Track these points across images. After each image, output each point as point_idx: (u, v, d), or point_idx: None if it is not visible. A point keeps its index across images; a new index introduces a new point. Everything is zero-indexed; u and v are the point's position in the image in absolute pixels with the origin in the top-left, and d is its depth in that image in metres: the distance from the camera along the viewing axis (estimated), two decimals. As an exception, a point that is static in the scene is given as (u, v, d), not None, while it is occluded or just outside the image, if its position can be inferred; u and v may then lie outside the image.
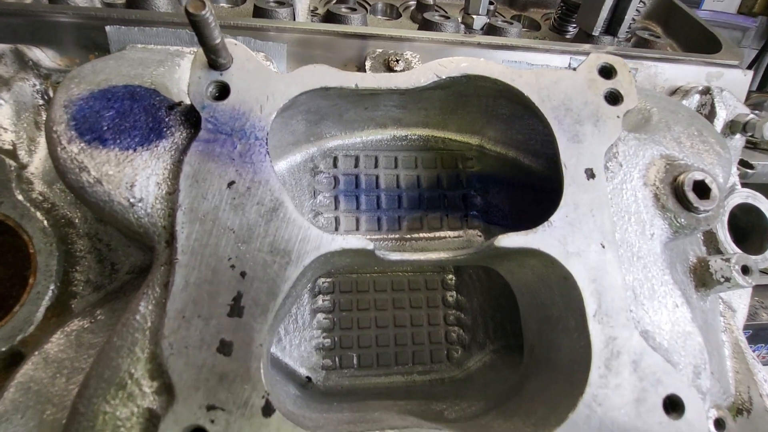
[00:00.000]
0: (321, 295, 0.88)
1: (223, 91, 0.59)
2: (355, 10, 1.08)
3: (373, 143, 0.80)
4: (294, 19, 1.04)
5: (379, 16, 1.29)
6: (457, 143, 0.82)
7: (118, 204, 0.55)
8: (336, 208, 0.78)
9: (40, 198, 0.74)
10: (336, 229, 0.78)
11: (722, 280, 0.92)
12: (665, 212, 0.63)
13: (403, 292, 0.91)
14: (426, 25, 1.10)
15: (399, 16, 1.29)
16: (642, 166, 0.66)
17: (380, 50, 0.93)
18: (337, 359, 0.87)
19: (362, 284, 0.89)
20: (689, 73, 1.14)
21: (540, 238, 0.57)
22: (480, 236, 0.81)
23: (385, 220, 0.78)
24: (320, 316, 0.87)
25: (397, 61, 0.92)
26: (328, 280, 0.87)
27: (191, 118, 0.60)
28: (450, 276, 0.91)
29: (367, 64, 0.92)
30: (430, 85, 0.62)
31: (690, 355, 0.59)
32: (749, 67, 3.33)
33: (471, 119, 0.79)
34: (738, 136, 1.16)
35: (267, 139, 0.57)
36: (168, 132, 0.58)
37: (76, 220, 0.73)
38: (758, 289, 1.79)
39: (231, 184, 0.55)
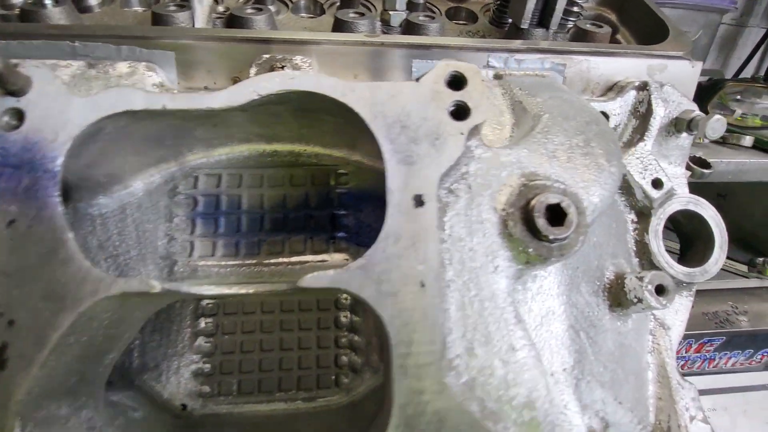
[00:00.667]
0: (203, 318, 0.84)
1: (19, 120, 0.55)
2: (261, 10, 1.02)
3: (239, 160, 0.75)
4: (193, 24, 0.99)
5: (302, 14, 1.22)
6: (330, 158, 0.76)
7: None
8: (192, 232, 0.74)
9: None
10: (190, 255, 0.74)
11: (635, 300, 0.84)
12: (512, 242, 0.56)
13: (292, 313, 0.86)
14: (338, 25, 1.03)
15: (323, 12, 1.21)
16: (495, 188, 0.59)
17: (267, 56, 0.87)
18: (215, 385, 0.83)
19: (249, 305, 0.85)
20: (627, 66, 1.03)
21: (350, 277, 0.51)
22: (347, 260, 0.76)
23: (243, 245, 0.73)
24: (201, 339, 0.84)
25: (283, 67, 0.86)
26: (212, 301, 0.84)
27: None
28: (345, 295, 0.86)
29: (252, 71, 0.86)
30: (253, 102, 0.57)
31: (523, 405, 0.52)
32: (756, 48, 3.10)
33: (339, 132, 0.73)
34: (684, 134, 1.06)
35: (58, 171, 0.53)
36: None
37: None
38: (734, 294, 1.67)
39: (11, 223, 0.51)
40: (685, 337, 1.65)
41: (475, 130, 0.57)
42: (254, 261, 0.73)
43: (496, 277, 0.56)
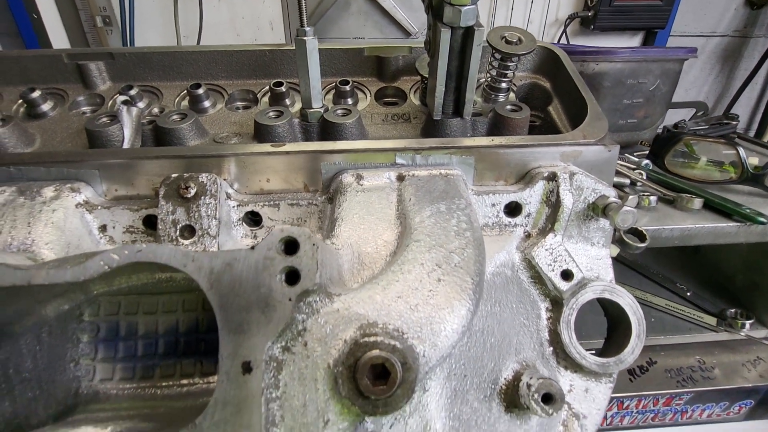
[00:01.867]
0: None
1: None
2: (185, 116, 1.10)
3: (137, 287, 0.82)
4: (123, 137, 1.08)
5: (237, 104, 1.29)
6: (220, 282, 0.82)
7: None
8: (95, 356, 0.82)
9: None
10: (92, 378, 0.82)
11: (525, 407, 0.86)
12: (341, 399, 0.61)
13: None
14: (257, 128, 1.10)
15: (257, 102, 1.28)
16: (331, 344, 0.63)
17: (174, 176, 0.95)
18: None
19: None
20: (540, 155, 1.05)
21: (181, 442, 0.57)
22: (233, 381, 0.82)
23: (139, 368, 0.81)
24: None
25: (187, 187, 0.93)
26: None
27: None
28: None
29: (161, 192, 0.94)
30: (106, 272, 0.64)
31: None
32: (762, 60, 2.96)
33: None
34: (603, 219, 1.06)
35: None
36: None
37: None
38: (702, 347, 1.63)
39: None
40: (649, 395, 1.62)
41: (305, 293, 0.62)
42: (148, 384, 0.80)
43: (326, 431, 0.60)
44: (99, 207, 0.97)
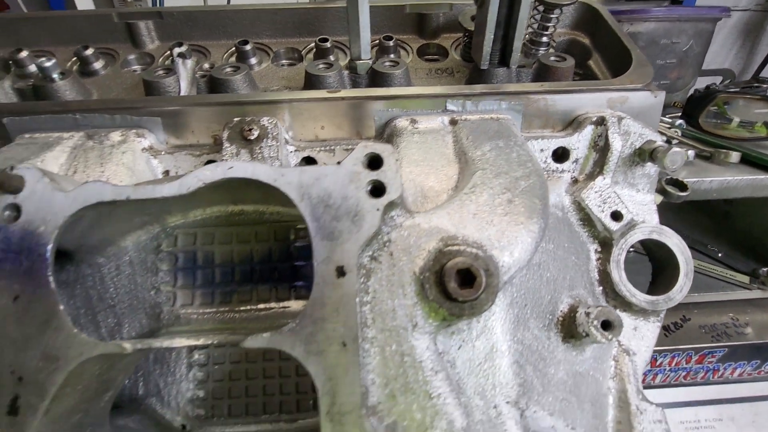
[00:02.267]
0: (196, 350, 0.96)
1: (18, 213, 0.67)
2: (238, 69, 1.13)
3: (211, 220, 0.86)
4: (179, 88, 1.11)
5: (282, 61, 1.32)
6: (290, 215, 0.86)
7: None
8: (174, 284, 0.85)
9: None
10: (173, 304, 0.86)
11: (584, 334, 0.89)
12: (428, 303, 0.64)
13: (273, 345, 0.97)
14: (308, 78, 1.12)
15: (301, 59, 1.31)
16: (414, 254, 0.67)
17: (237, 119, 0.98)
18: (209, 409, 0.96)
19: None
20: (587, 100, 1.07)
21: (283, 339, 0.61)
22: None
23: (217, 294, 0.85)
24: (195, 369, 0.96)
25: (250, 129, 0.96)
26: (202, 336, 0.96)
27: None
28: (318, 329, 0.95)
29: (224, 135, 0.97)
30: (201, 188, 0.67)
31: (439, 448, 0.61)
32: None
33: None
34: (649, 163, 1.09)
35: (49, 256, 0.65)
36: (-22, 250, 0.68)
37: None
38: (735, 305, 1.65)
39: (16, 298, 0.64)
40: (684, 350, 1.65)
41: (391, 205, 0.65)
42: (227, 308, 0.84)
43: (415, 334, 0.64)
44: (162, 153, 1.01)
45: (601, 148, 1.05)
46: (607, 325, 0.87)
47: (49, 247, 0.66)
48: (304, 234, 0.87)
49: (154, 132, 1.04)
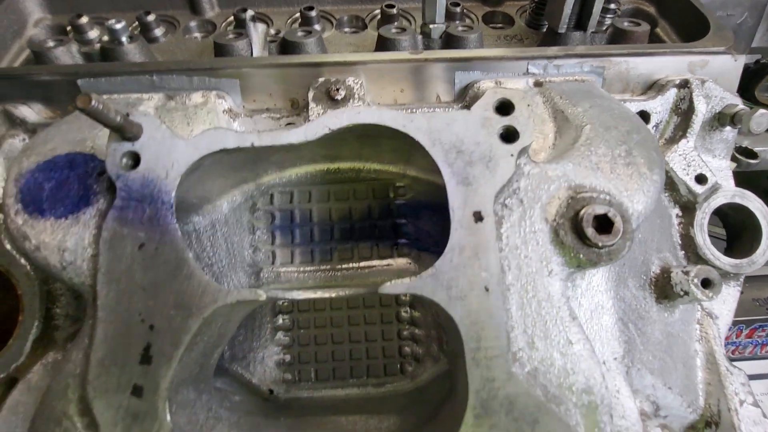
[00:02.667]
0: (281, 314, 0.95)
1: (136, 161, 0.66)
2: (310, 33, 1.11)
3: (307, 178, 0.84)
4: (251, 50, 1.09)
5: (345, 29, 1.30)
6: (388, 173, 0.84)
7: (53, 267, 0.64)
8: (273, 242, 0.84)
9: (26, 245, 0.86)
10: (272, 262, 0.84)
11: (682, 293, 0.88)
12: (564, 249, 0.63)
13: (358, 309, 0.96)
14: (381, 41, 1.10)
15: (365, 27, 1.29)
16: (545, 201, 0.65)
17: (322, 79, 0.96)
18: (296, 373, 0.95)
19: (320, 303, 0.95)
20: (667, 64, 1.06)
21: (423, 284, 0.60)
22: (410, 264, 0.84)
23: (317, 252, 0.83)
24: (280, 334, 0.95)
25: (338, 89, 0.94)
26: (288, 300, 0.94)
27: (113, 185, 0.68)
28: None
29: (310, 95, 0.95)
30: (325, 136, 0.65)
31: (582, 391, 0.60)
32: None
33: (396, 151, 0.81)
34: (728, 128, 1.08)
35: (173, 202, 0.63)
36: (94, 199, 0.67)
37: (55, 263, 0.85)
38: (786, 279, 1.65)
39: (141, 246, 0.63)
40: (735, 323, 1.65)
41: (523, 151, 0.64)
42: (328, 267, 0.83)
43: (550, 280, 0.63)
44: (242, 116, 0.99)
45: (683, 112, 1.04)
46: (707, 283, 0.87)
47: (173, 194, 0.64)
48: (404, 192, 0.86)
49: (231, 95, 1.01)
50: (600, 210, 0.62)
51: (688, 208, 1.05)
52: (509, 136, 0.64)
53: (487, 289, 0.59)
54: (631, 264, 0.90)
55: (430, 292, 0.59)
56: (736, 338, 1.65)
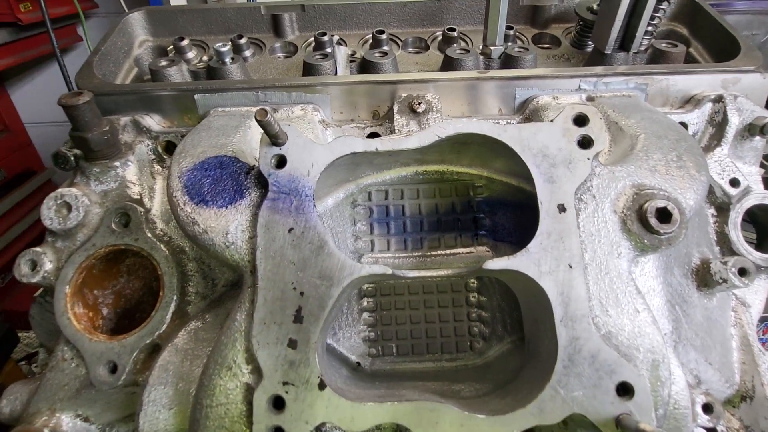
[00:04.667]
0: (366, 298, 1.10)
1: (282, 162, 0.82)
2: (386, 54, 1.27)
3: (399, 179, 1.00)
4: (336, 69, 1.26)
5: (410, 49, 1.46)
6: (468, 174, 1.00)
7: (218, 246, 0.80)
8: (371, 233, 0.99)
9: (161, 233, 1.03)
10: (372, 250, 1.00)
11: (721, 281, 1.02)
12: (631, 235, 0.78)
13: (432, 294, 1.11)
14: (447, 61, 1.27)
15: (428, 48, 1.45)
16: (613, 196, 0.80)
17: (405, 95, 1.12)
18: (380, 348, 1.10)
19: (399, 288, 1.11)
20: (703, 81, 1.20)
21: (519, 262, 0.75)
22: (488, 252, 0.99)
23: (410, 241, 0.98)
24: (366, 314, 1.10)
25: (419, 103, 1.10)
26: (372, 285, 1.10)
27: (262, 181, 0.84)
28: (472, 280, 1.09)
29: (395, 108, 1.11)
30: (434, 143, 0.81)
31: (648, 350, 0.74)
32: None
33: (478, 156, 0.96)
34: (758, 138, 1.21)
35: (313, 195, 0.79)
36: (247, 192, 0.83)
37: (187, 249, 1.01)
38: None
39: (290, 230, 0.78)
40: (761, 320, 1.76)
41: (597, 155, 0.79)
42: (419, 253, 0.98)
43: (619, 261, 0.77)
44: (332, 126, 1.15)
45: (718, 123, 1.17)
46: (743, 272, 1.00)
47: (313, 188, 0.80)
48: (482, 191, 1.01)
49: (322, 108, 1.18)
50: (661, 203, 0.76)
51: (722, 209, 1.18)
52: (585, 143, 0.79)
53: (570, 266, 0.74)
54: (676, 255, 1.04)
55: (524, 267, 0.74)
56: (762, 335, 1.76)
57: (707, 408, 0.95)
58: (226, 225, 0.81)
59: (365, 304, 1.10)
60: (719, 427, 1.01)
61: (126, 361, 0.96)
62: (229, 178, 0.85)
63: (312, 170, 0.80)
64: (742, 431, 1.00)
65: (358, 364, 1.09)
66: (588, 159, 0.77)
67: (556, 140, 0.78)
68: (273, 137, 0.79)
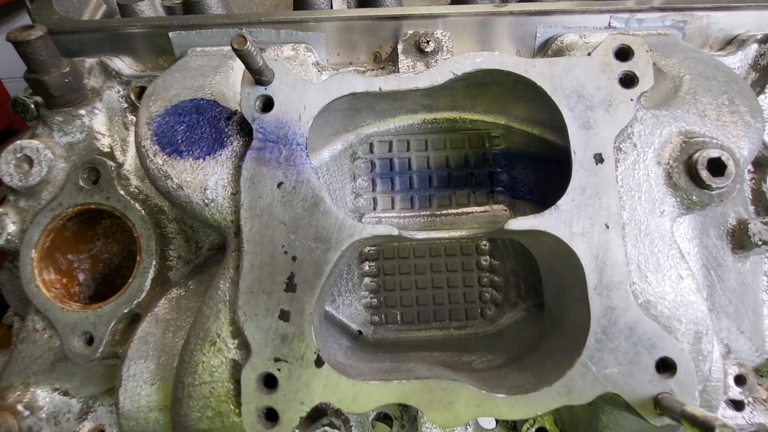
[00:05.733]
0: (367, 261, 1.01)
1: (268, 104, 0.69)
2: (388, -15, 1.11)
3: (405, 128, 0.88)
4: (331, 6, 1.10)
5: (416, -16, 1.30)
6: (484, 123, 0.87)
7: (196, 204, 0.69)
8: (373, 189, 0.88)
9: (136, 191, 0.91)
10: (374, 208, 0.89)
11: (760, 243, 0.92)
12: (677, 190, 0.67)
13: (440, 257, 1.01)
14: (460, -3, 1.11)
15: (437, -18, 1.29)
16: (657, 145, 0.68)
17: (411, 32, 0.98)
18: (383, 316, 1.01)
19: (403, 251, 1.00)
20: (748, 20, 1.06)
21: (547, 221, 0.64)
22: (505, 210, 0.88)
23: (417, 199, 0.87)
24: (367, 279, 1.01)
25: (428, 42, 0.96)
26: (374, 248, 1.00)
27: (245, 128, 0.72)
28: (484, 242, 0.99)
29: (400, 47, 0.97)
30: (448, 81, 0.68)
31: (691, 322, 0.65)
32: None
33: (496, 101, 0.84)
34: (801, 87, 1.08)
35: (306, 143, 0.67)
36: (228, 141, 0.71)
37: (165, 208, 0.90)
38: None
39: (280, 184, 0.67)
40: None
41: (641, 96, 0.67)
42: (428, 212, 0.87)
43: (662, 220, 0.67)
44: (328, 69, 1.01)
45: (762, 68, 1.04)
46: (785, 234, 0.90)
47: (306, 135, 0.68)
48: (499, 142, 0.89)
49: (316, 48, 1.03)
50: (714, 153, 0.65)
51: (760, 164, 1.06)
52: (628, 81, 0.67)
53: (607, 227, 0.64)
54: (712, 215, 0.94)
55: (553, 228, 0.64)
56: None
57: (739, 380, 0.88)
58: (205, 179, 0.69)
59: (366, 268, 1.01)
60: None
61: (103, 332, 0.87)
62: (207, 125, 0.72)
63: (304, 114, 0.68)
64: (770, 403, 0.94)
65: (360, 332, 1.01)
66: (631, 100, 0.65)
67: (594, 77, 0.65)
68: (256, 73, 0.66)
